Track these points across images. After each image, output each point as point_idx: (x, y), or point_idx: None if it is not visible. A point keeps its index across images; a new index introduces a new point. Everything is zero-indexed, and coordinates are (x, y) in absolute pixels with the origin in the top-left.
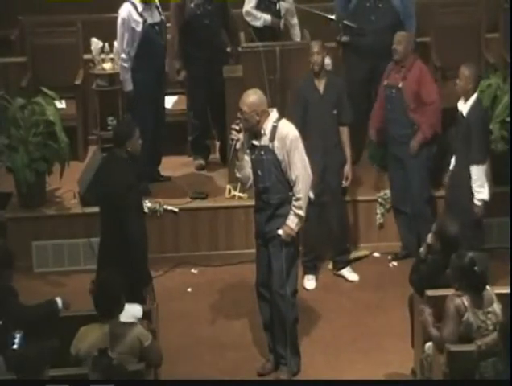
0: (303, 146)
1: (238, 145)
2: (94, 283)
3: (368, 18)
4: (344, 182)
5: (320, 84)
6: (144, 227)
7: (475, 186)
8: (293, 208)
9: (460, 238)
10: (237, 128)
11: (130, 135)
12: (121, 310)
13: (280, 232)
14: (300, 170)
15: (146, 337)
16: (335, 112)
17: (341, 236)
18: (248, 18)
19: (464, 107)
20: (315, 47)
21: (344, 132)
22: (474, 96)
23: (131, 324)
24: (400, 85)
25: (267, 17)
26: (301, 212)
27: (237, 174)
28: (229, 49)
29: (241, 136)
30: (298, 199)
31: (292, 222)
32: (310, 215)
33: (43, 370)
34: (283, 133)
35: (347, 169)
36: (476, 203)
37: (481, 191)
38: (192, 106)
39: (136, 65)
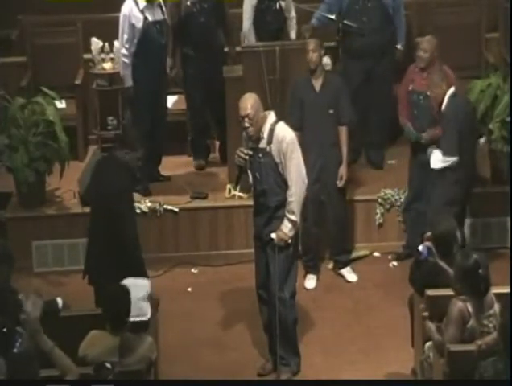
0: (299, 150)
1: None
2: (102, 297)
3: (360, 20)
4: (338, 182)
5: (317, 83)
6: (136, 230)
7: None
8: (286, 213)
9: (454, 237)
10: (242, 155)
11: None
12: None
13: (273, 236)
14: (294, 174)
15: (153, 351)
16: (331, 111)
17: (339, 236)
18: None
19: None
20: (311, 44)
21: (343, 131)
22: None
23: (142, 338)
24: (429, 93)
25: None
26: (294, 217)
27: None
28: (226, 49)
29: (247, 158)
30: (290, 204)
31: (286, 227)
32: (307, 214)
33: (38, 370)
34: (280, 136)
35: (341, 169)
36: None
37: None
38: (189, 106)
39: (135, 62)
